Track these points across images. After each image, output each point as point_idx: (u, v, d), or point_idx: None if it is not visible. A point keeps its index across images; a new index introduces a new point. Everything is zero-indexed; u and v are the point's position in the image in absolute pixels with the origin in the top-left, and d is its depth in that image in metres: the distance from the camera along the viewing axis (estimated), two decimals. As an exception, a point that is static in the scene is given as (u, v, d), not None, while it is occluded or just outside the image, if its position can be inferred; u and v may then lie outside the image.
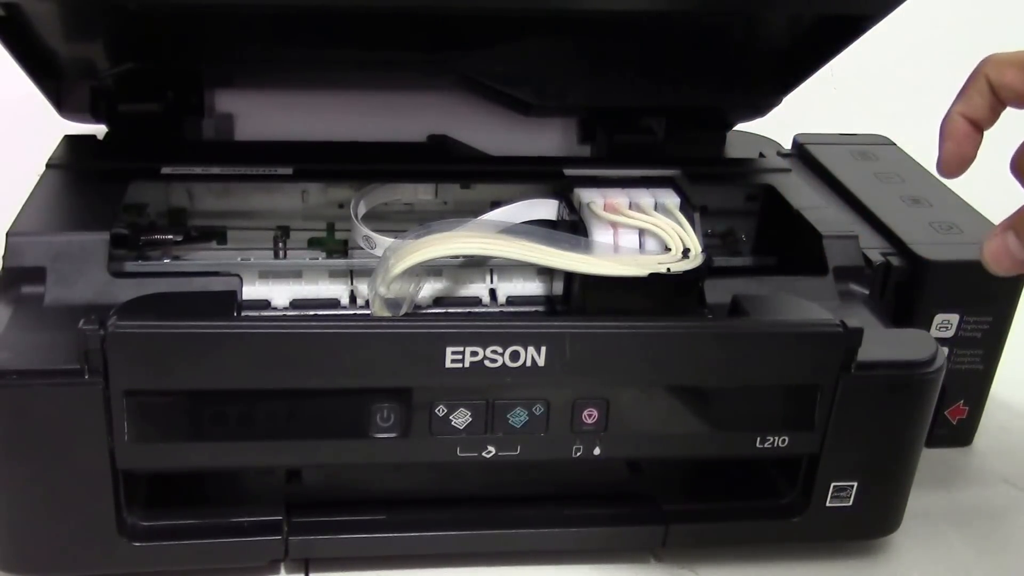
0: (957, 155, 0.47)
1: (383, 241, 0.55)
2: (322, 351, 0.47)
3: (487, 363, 0.47)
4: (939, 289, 0.59)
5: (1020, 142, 0.47)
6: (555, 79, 0.65)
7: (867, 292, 0.57)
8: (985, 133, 0.46)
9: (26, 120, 0.67)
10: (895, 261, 0.59)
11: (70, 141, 0.64)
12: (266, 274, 0.57)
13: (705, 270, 0.54)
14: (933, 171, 0.69)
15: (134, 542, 0.49)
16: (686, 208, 0.56)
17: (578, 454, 0.51)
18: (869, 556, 0.56)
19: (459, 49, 0.63)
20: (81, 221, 0.53)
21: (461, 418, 0.49)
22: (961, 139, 0.46)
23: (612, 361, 0.49)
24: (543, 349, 0.48)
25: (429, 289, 0.57)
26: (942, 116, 0.47)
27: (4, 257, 0.51)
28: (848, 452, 0.52)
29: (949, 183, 0.67)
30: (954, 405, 0.63)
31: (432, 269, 0.56)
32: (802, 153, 0.72)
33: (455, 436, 0.49)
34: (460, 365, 0.47)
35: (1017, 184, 0.46)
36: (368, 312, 0.55)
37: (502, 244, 0.53)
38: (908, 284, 0.59)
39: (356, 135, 0.66)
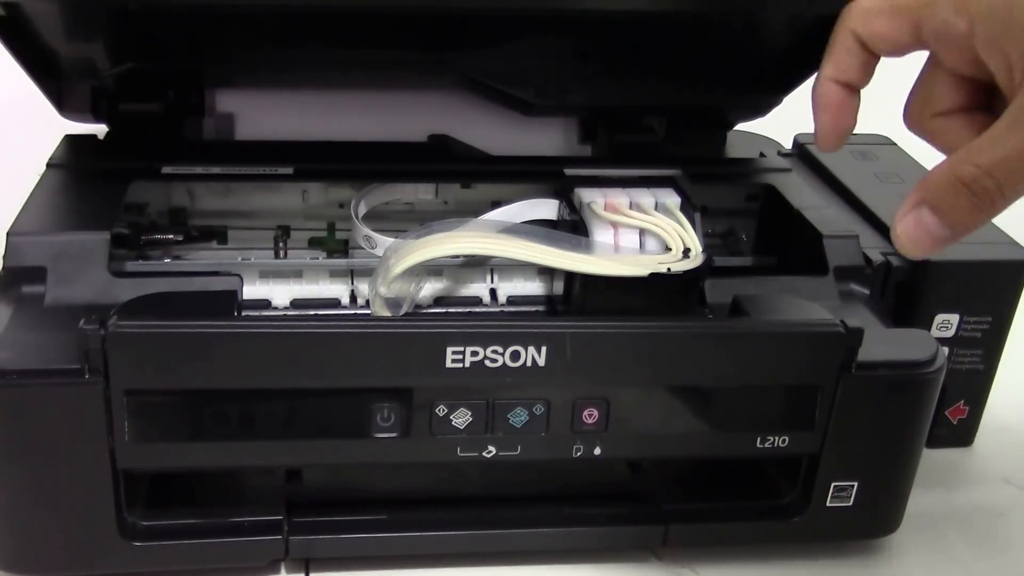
0: (835, 127, 0.42)
1: (383, 241, 0.55)
2: (322, 351, 0.47)
3: (487, 363, 0.47)
4: (939, 289, 0.59)
5: (909, 90, 0.42)
6: (555, 79, 0.65)
7: (867, 292, 0.57)
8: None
9: (26, 120, 0.67)
10: (895, 261, 0.58)
11: (70, 141, 0.64)
12: (266, 274, 0.57)
13: (705, 270, 0.53)
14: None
15: (134, 542, 0.49)
16: (687, 208, 0.56)
17: (578, 454, 0.51)
18: (869, 556, 0.56)
19: (459, 49, 0.63)
20: (81, 221, 0.53)
21: (461, 418, 0.49)
22: (837, 109, 0.42)
23: (612, 361, 0.49)
24: (543, 349, 0.48)
25: (429, 289, 0.57)
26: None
27: (4, 257, 0.51)
28: (848, 452, 0.52)
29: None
30: (954, 405, 0.63)
31: (432, 269, 0.56)
32: (802, 153, 0.72)
33: (455, 436, 0.49)
34: (460, 365, 0.47)
35: None
36: (368, 312, 0.55)
37: (502, 244, 0.53)
38: (908, 284, 0.59)
39: (356, 135, 0.66)
